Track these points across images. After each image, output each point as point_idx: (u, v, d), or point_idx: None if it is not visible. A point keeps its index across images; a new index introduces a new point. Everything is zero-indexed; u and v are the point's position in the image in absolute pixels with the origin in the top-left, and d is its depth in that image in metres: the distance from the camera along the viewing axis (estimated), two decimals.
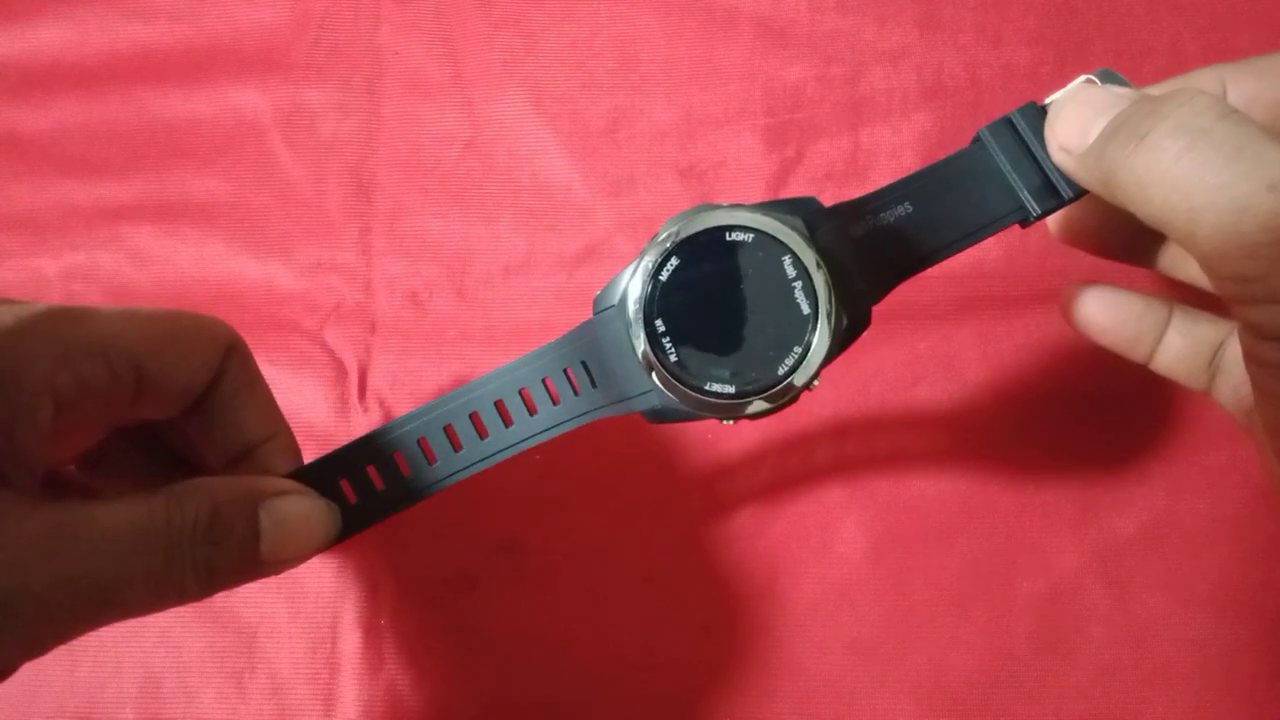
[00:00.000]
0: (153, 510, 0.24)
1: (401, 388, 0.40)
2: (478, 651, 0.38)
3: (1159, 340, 0.30)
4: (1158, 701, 0.37)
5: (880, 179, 0.41)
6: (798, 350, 0.25)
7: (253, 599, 0.38)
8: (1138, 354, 0.30)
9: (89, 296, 0.41)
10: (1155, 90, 0.26)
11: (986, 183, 0.27)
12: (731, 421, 0.26)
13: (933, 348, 0.40)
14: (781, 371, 0.25)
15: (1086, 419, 0.39)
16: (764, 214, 0.26)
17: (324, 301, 0.41)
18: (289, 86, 0.43)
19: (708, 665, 0.38)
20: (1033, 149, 0.27)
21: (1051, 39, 0.42)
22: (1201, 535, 0.38)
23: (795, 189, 0.41)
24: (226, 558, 0.25)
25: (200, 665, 0.38)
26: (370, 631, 0.38)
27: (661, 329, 0.25)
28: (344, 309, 0.41)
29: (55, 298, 0.41)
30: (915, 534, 0.39)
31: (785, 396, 0.26)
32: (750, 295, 0.25)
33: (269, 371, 0.40)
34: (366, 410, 0.40)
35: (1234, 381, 0.29)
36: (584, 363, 0.27)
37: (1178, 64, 0.42)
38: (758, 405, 0.26)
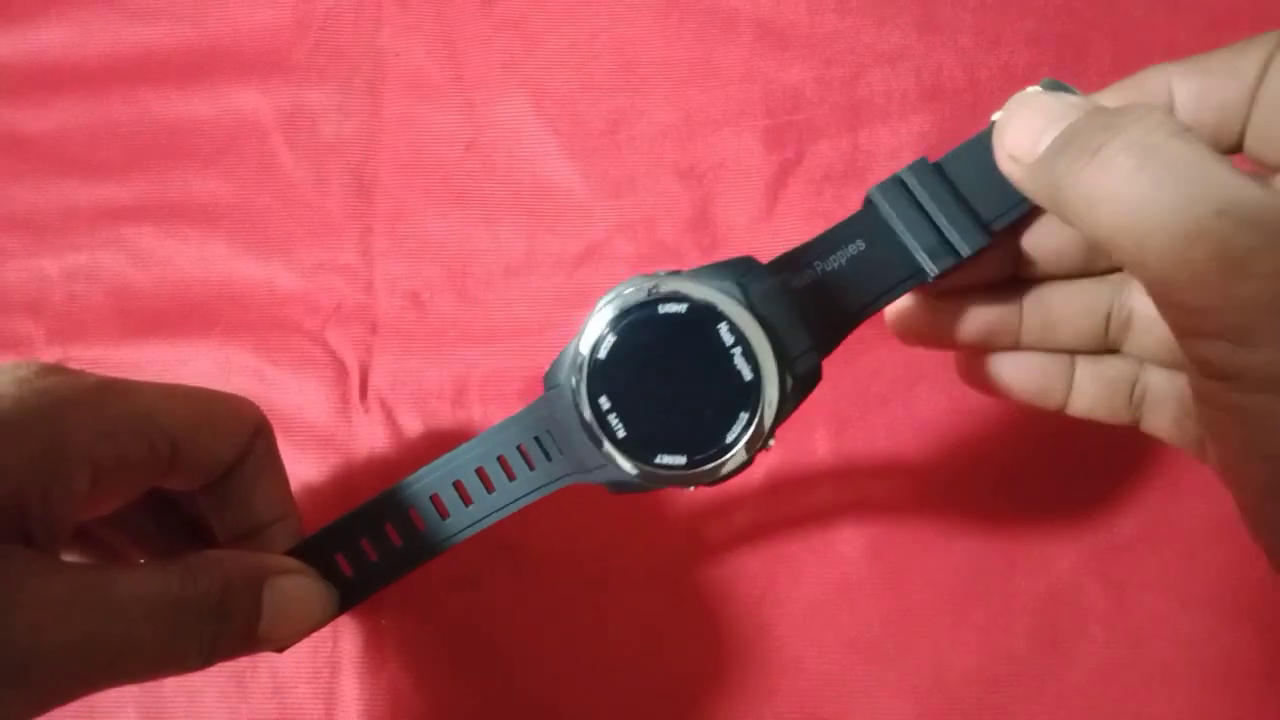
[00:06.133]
0: (168, 581, 0.24)
1: (402, 388, 0.40)
2: (478, 651, 0.38)
3: (1069, 388, 0.29)
4: (1156, 701, 0.37)
5: (879, 180, 0.41)
6: (744, 416, 0.25)
7: None
8: (1049, 404, 0.30)
9: (91, 297, 0.41)
10: (1105, 97, 0.26)
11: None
12: (693, 488, 0.26)
13: None
14: (730, 439, 0.25)
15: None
16: (696, 281, 0.26)
17: (325, 302, 0.41)
18: (290, 88, 0.43)
19: (708, 665, 0.38)
20: (926, 208, 0.27)
21: (1050, 40, 0.42)
22: (1200, 535, 0.38)
23: (795, 190, 0.41)
24: (229, 633, 0.26)
25: None
26: (371, 631, 0.38)
27: (607, 406, 0.26)
28: (345, 309, 0.41)
29: (57, 298, 0.41)
30: (914, 533, 0.39)
31: (738, 462, 0.26)
32: (691, 365, 0.25)
33: (270, 372, 0.40)
34: (368, 411, 0.40)
35: (1169, 413, 0.28)
36: (549, 432, 0.28)
37: None
38: (711, 473, 0.26)
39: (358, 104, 0.43)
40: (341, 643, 0.38)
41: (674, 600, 0.39)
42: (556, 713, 0.38)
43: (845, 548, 0.39)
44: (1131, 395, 0.29)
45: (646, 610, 0.39)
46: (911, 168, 0.27)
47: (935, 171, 0.27)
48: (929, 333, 0.29)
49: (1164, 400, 0.29)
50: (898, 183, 0.27)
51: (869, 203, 0.28)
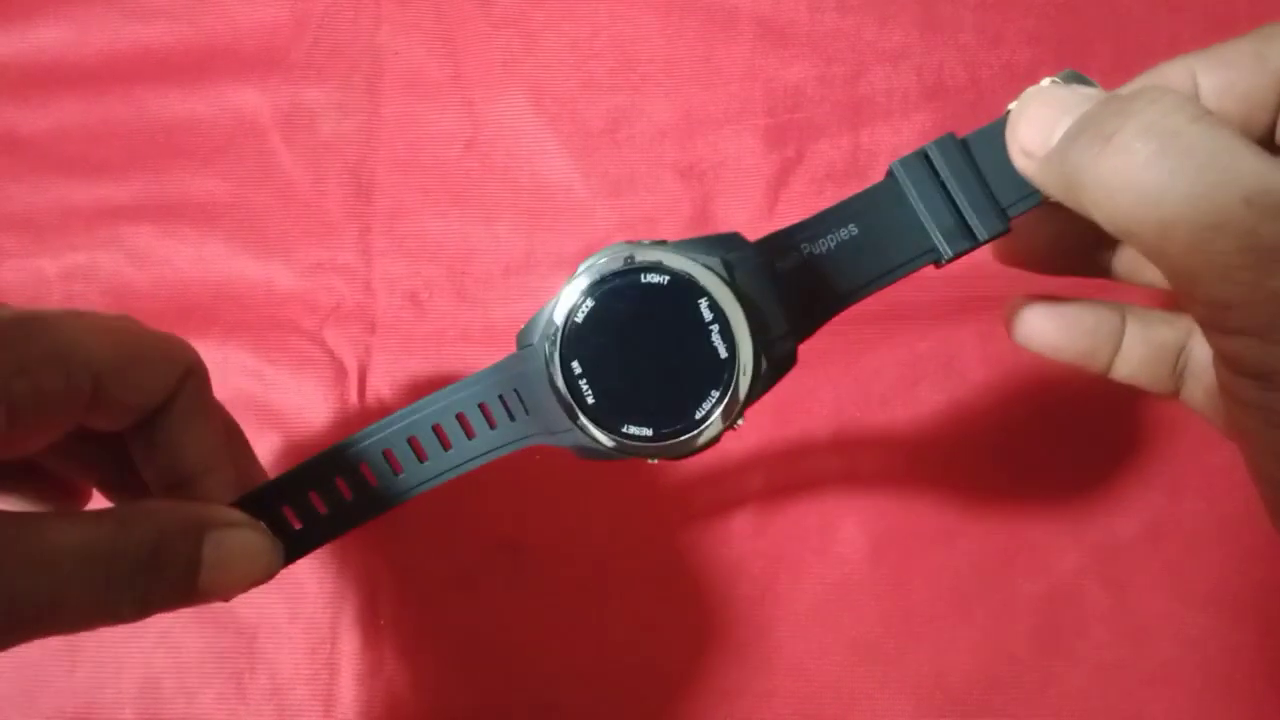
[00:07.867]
0: (100, 534, 0.24)
1: (401, 388, 0.40)
2: (478, 651, 0.38)
3: (1116, 350, 0.28)
4: (1157, 701, 0.37)
5: (880, 178, 0.41)
6: (715, 394, 0.25)
7: (253, 599, 0.38)
8: (1095, 366, 0.29)
9: (89, 296, 0.41)
10: (1124, 91, 0.25)
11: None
12: (655, 461, 0.26)
13: (933, 348, 0.40)
14: (699, 415, 0.25)
15: (1087, 418, 0.39)
16: (680, 254, 0.25)
17: (324, 301, 0.41)
18: (289, 86, 0.43)
19: (708, 666, 0.38)
20: (949, 186, 0.26)
21: (1051, 39, 0.42)
22: (1201, 535, 0.38)
23: (796, 189, 0.41)
24: (164, 586, 0.25)
25: (200, 666, 0.38)
26: (370, 631, 0.38)
27: (578, 371, 0.25)
28: (344, 309, 0.41)
29: (55, 298, 0.41)
30: (915, 534, 0.39)
31: (704, 439, 0.25)
32: (667, 338, 0.25)
33: (269, 371, 0.40)
34: (366, 410, 0.40)
35: (1205, 384, 0.28)
36: (516, 391, 0.27)
37: None
38: (676, 448, 0.26)
39: (356, 102, 0.43)
40: (340, 644, 0.38)
41: (674, 600, 0.39)
42: (555, 713, 0.38)
43: (846, 548, 0.39)
44: (1176, 363, 0.28)
45: (646, 611, 0.38)
46: (939, 143, 0.26)
47: (962, 149, 0.26)
48: (1033, 254, 0.29)
49: (1202, 371, 0.28)
50: (922, 157, 0.26)
51: (889, 175, 0.27)
